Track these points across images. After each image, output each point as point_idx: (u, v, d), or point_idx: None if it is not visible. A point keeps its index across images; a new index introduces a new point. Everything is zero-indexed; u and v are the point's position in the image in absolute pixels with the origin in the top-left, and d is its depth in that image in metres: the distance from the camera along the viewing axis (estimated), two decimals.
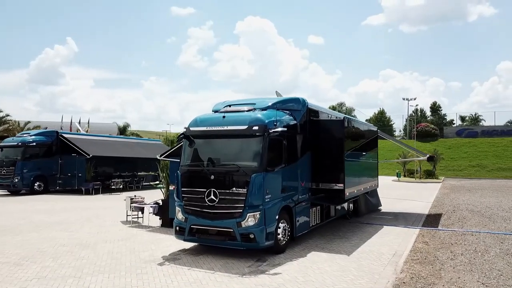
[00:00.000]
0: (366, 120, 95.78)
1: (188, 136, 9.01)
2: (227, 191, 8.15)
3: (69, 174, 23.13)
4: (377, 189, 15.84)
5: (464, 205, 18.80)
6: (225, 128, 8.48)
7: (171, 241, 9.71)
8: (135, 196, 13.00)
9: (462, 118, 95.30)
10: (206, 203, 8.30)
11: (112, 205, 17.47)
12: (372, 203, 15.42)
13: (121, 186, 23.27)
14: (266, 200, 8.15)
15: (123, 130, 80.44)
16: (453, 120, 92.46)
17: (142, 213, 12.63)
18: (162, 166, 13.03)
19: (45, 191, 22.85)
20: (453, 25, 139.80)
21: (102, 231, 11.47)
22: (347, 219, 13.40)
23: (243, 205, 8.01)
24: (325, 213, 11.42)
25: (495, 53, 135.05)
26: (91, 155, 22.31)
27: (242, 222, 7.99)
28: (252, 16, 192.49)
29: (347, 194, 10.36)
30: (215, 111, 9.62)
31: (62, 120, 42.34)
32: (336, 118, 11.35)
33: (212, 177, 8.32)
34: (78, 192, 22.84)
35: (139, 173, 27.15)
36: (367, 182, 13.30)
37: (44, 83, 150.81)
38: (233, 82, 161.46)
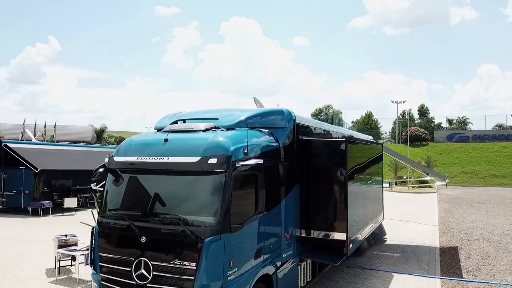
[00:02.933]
0: (352, 123, 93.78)
1: (112, 170, 5.87)
2: (166, 264, 5.04)
3: (14, 191, 19.60)
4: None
5: (476, 229, 16.10)
6: (166, 160, 5.35)
7: None
8: (66, 236, 9.77)
9: (450, 121, 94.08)
10: (134, 280, 5.19)
11: (54, 234, 14.10)
12: (375, 233, 12.46)
13: (76, 205, 19.85)
14: (230, 277, 5.07)
15: (100, 133, 76.30)
16: (441, 123, 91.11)
17: (74, 260, 9.41)
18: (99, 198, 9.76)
19: None
20: (435, 27, 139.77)
21: None
22: (344, 261, 10.40)
23: None
24: (318, 264, 8.40)
25: (476, 56, 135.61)
26: (39, 169, 18.85)
27: None
28: (237, 16, 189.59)
29: (351, 246, 7.36)
30: (159, 129, 6.49)
31: (24, 123, 38.35)
32: (336, 138, 8.20)
33: (144, 239, 5.22)
34: (25, 212, 19.34)
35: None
36: (374, 218, 10.32)
37: (25, 82, 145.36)
38: (219, 82, 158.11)
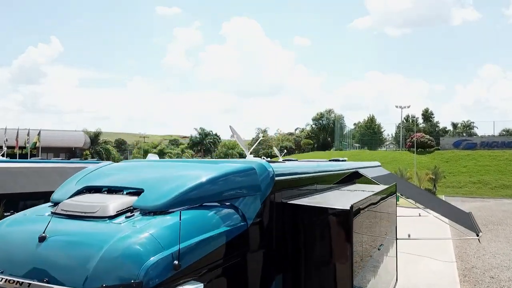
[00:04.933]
0: (354, 125, 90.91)
1: None
2: None
3: None
4: None
5: (501, 269, 13.68)
6: None
7: None
8: None
9: (455, 125, 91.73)
10: None
11: None
12: None
13: None
14: None
15: (95, 137, 74.06)
16: (446, 127, 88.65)
17: None
18: None
19: None
20: (437, 28, 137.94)
21: None
22: None
23: None
24: None
25: (477, 56, 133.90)
26: None
27: None
28: (238, 16, 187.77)
29: None
30: (55, 204, 4.09)
31: (5, 130, 36.10)
32: (336, 207, 5.51)
33: None
34: None
35: None
36: None
37: (26, 82, 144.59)
38: (219, 83, 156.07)
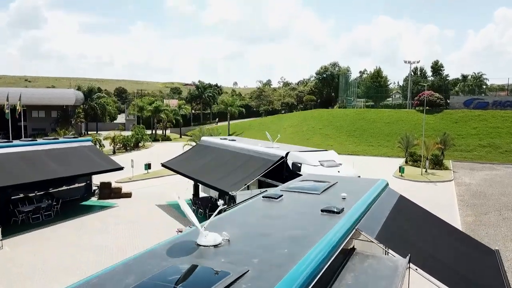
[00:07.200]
0: (360, 72, 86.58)
1: None
2: None
3: None
4: None
5: None
6: None
7: None
8: None
9: (464, 77, 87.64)
10: None
11: None
12: None
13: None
14: None
15: (88, 93, 70.62)
16: (456, 77, 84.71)
17: None
18: None
19: None
20: None
21: None
22: None
23: None
24: None
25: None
26: None
27: None
28: None
29: None
30: None
31: None
32: None
33: None
34: None
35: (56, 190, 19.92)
36: None
37: (26, 27, 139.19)
38: (223, 28, 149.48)
